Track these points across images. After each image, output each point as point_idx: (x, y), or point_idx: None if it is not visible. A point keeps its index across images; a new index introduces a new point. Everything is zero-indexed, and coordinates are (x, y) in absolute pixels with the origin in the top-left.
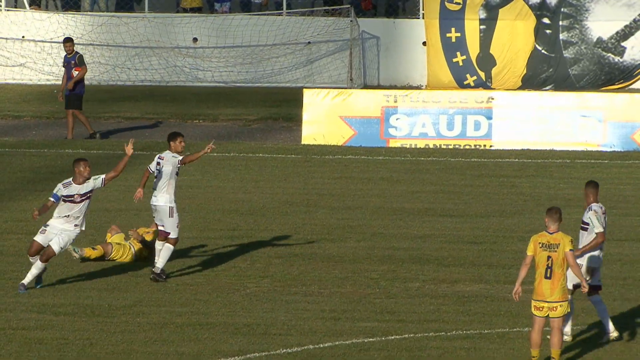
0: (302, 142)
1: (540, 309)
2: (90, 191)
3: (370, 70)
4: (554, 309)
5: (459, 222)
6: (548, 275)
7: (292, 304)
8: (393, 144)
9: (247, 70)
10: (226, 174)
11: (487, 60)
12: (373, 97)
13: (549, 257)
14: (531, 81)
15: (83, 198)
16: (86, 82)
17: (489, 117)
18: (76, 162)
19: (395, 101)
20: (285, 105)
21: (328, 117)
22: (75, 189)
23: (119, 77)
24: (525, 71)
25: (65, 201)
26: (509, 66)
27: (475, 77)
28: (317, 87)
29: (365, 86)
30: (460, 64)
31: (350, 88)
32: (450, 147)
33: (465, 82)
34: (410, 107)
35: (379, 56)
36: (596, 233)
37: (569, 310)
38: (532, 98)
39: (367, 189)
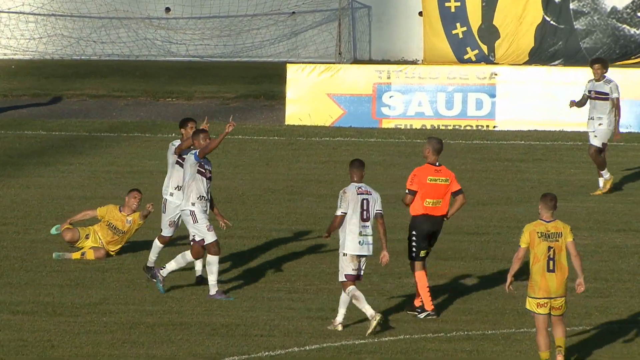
0: (286, 123)
1: (545, 305)
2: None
3: (360, 44)
4: (559, 307)
5: (459, 211)
6: (551, 267)
7: (275, 302)
8: (386, 124)
9: (225, 43)
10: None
11: (490, 32)
12: (364, 73)
13: (550, 247)
14: (538, 55)
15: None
16: (47, 57)
17: (492, 95)
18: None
19: (389, 77)
20: (267, 82)
21: (314, 94)
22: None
23: (83, 50)
24: (532, 44)
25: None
26: (514, 39)
27: (476, 51)
28: (302, 62)
29: (356, 61)
30: (460, 36)
31: (339, 63)
32: (449, 128)
33: (465, 57)
34: (405, 83)
35: (371, 28)
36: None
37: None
38: (539, 73)
39: None
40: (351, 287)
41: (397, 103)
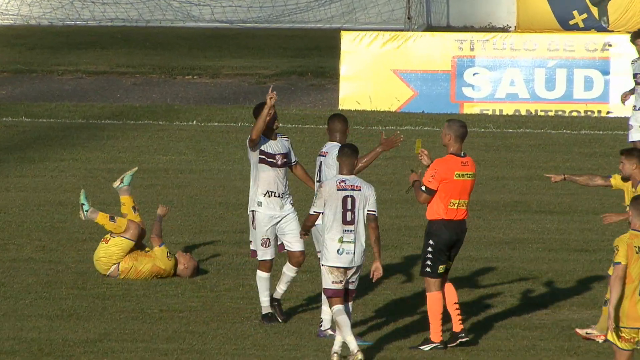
0: (340, 107)
1: (631, 340)
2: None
3: (436, 5)
4: None
5: (563, 221)
6: None
7: (325, 338)
8: (468, 109)
9: (262, 4)
10: (232, 152)
11: None
12: (440, 44)
13: None
14: None
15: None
16: (32, 22)
17: (605, 72)
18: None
19: (472, 49)
20: (315, 55)
21: (376, 71)
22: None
23: (78, 14)
24: None
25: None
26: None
27: (585, 15)
28: (361, 29)
29: (429, 28)
30: None
31: (408, 30)
32: (550, 114)
33: (571, 22)
34: (493, 57)
35: None
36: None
37: None
38: None
39: None
40: (336, 308)
41: (482, 82)
